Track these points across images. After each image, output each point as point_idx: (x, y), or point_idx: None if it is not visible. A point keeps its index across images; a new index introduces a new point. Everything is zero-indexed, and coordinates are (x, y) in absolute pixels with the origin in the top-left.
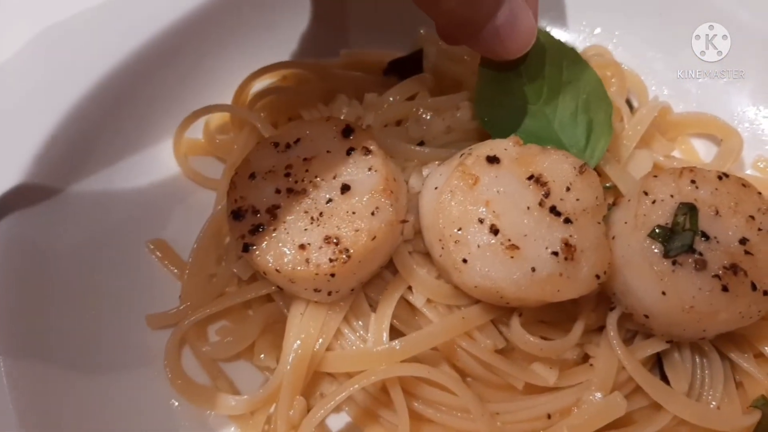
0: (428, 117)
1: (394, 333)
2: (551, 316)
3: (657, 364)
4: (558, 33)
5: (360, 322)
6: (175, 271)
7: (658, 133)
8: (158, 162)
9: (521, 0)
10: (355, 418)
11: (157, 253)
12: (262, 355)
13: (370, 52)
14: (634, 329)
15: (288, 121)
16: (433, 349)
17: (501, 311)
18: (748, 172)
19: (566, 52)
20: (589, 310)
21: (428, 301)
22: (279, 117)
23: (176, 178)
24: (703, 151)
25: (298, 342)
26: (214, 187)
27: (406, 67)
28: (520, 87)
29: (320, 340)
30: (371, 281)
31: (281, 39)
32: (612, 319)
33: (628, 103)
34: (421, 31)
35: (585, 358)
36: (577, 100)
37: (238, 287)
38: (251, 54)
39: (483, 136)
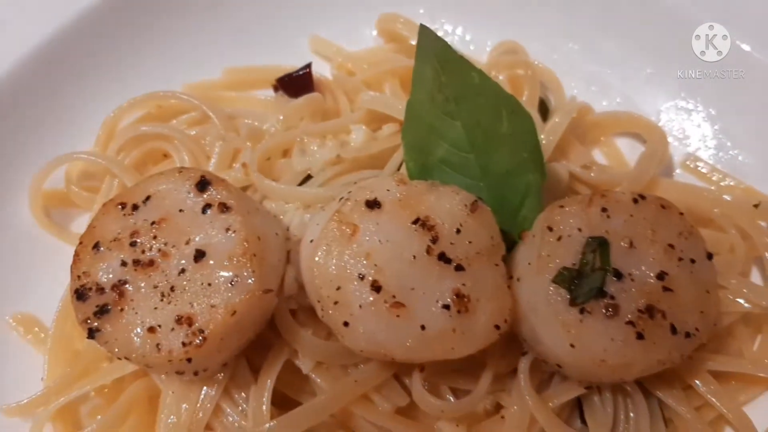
0: (314, 147)
1: (285, 401)
2: (459, 363)
3: (577, 406)
4: (466, 31)
5: (243, 394)
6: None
7: (578, 136)
8: (15, 218)
9: None
10: None
11: (20, 329)
12: None
13: (255, 68)
14: (551, 370)
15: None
16: None
17: (400, 365)
18: (678, 171)
19: (506, 98)
20: (498, 356)
21: (318, 363)
22: (154, 158)
23: (38, 235)
24: (628, 152)
25: (171, 422)
26: None
27: (296, 84)
28: (453, 132)
29: (199, 416)
30: (254, 345)
31: (151, 64)
32: (524, 365)
33: (544, 103)
34: (309, 39)
35: (498, 407)
36: (514, 157)
37: (110, 362)
38: (119, 85)
39: (376, 164)
